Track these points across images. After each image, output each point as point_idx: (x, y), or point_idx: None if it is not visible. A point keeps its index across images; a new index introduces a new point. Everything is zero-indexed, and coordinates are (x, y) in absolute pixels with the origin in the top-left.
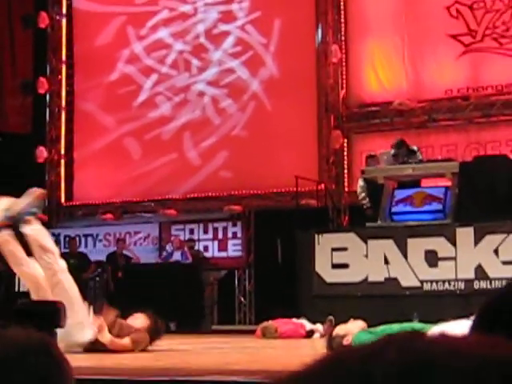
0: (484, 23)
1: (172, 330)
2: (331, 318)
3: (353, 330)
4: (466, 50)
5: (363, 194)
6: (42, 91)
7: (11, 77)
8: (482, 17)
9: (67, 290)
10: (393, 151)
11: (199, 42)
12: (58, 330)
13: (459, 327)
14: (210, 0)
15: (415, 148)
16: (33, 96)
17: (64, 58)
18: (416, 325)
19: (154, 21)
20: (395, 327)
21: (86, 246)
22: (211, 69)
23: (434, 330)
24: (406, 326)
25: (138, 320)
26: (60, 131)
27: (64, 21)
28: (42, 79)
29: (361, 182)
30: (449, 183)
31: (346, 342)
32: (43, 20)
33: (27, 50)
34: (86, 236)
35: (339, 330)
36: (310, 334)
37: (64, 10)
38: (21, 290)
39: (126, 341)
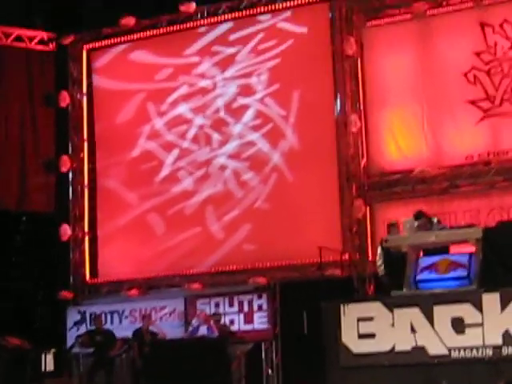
0: (502, 88)
1: None
2: None
3: None
4: (485, 116)
5: (379, 262)
6: (64, 169)
7: (34, 156)
8: (499, 82)
9: None
10: (416, 223)
11: (219, 116)
12: None
13: None
14: (229, 74)
15: (435, 219)
16: (55, 174)
17: (85, 135)
18: None
19: (173, 96)
20: None
21: (111, 322)
22: (232, 142)
23: None
24: None
25: None
26: (83, 209)
27: (85, 99)
28: (64, 157)
29: (379, 250)
30: (473, 249)
31: None
32: (64, 99)
33: (49, 129)
34: (111, 312)
35: None
36: None
37: (84, 89)
38: (47, 369)
39: None
